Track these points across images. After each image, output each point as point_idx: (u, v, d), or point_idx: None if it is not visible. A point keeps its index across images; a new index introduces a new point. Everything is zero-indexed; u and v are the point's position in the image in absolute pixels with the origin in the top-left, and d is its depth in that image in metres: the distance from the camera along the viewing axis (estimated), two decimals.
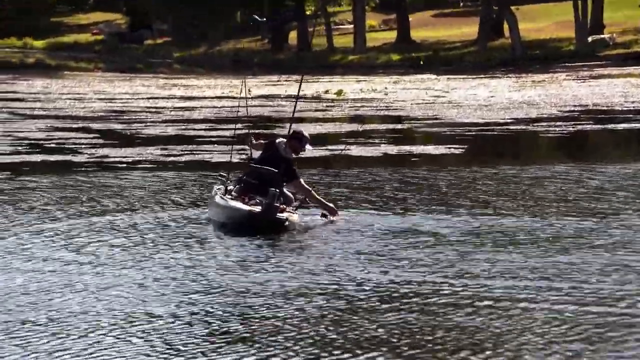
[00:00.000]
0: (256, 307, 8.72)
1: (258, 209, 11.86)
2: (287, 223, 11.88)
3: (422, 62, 56.41)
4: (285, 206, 12.11)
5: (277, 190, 11.83)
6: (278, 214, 11.77)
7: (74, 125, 26.24)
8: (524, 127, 25.47)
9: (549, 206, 13.51)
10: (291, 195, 12.60)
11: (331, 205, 12.68)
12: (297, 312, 8.59)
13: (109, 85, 44.18)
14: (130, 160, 19.13)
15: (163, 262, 10.45)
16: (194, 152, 20.50)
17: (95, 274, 9.97)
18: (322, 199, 12.72)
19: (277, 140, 12.77)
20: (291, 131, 12.83)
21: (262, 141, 13.20)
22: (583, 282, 9.43)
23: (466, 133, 24.32)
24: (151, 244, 11.34)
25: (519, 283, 9.41)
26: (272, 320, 8.37)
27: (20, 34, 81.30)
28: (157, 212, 13.30)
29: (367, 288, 9.33)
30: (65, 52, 76.27)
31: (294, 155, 12.62)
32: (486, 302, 8.79)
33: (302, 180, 12.62)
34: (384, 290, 9.26)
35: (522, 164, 18.08)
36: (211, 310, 8.70)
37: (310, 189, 12.70)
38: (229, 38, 72.82)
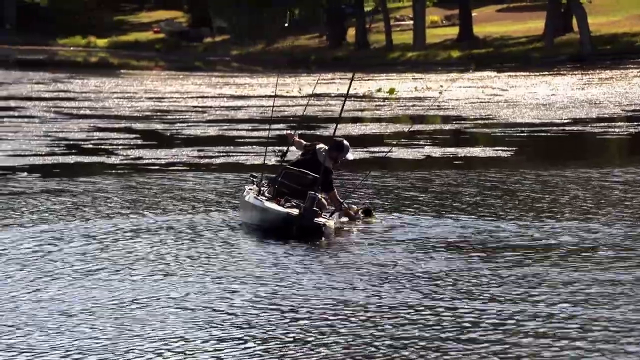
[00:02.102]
0: (327, 328, 7.92)
1: (295, 212, 11.41)
2: (324, 228, 11.39)
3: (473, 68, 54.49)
4: (320, 211, 11.61)
5: (316, 194, 11.40)
6: (315, 219, 11.30)
7: (116, 125, 25.79)
8: (581, 129, 24.21)
9: None
10: (324, 201, 12.10)
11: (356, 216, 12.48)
12: (352, 338, 7.66)
13: (161, 84, 43.80)
14: (163, 162, 18.48)
15: (206, 271, 9.89)
16: (230, 153, 19.76)
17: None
18: (352, 213, 12.34)
19: (318, 146, 12.38)
20: (334, 136, 12.38)
21: (302, 141, 12.75)
22: None
23: (516, 134, 23.19)
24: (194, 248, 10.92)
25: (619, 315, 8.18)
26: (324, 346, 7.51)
27: (84, 32, 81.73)
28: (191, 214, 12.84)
29: (451, 315, 8.27)
30: (127, 51, 76.44)
31: (332, 165, 12.20)
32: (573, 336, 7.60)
33: (336, 192, 12.24)
34: (460, 317, 8.21)
35: (598, 167, 16.87)
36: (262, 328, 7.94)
37: (342, 201, 12.32)
38: (288, 35, 72.20)
